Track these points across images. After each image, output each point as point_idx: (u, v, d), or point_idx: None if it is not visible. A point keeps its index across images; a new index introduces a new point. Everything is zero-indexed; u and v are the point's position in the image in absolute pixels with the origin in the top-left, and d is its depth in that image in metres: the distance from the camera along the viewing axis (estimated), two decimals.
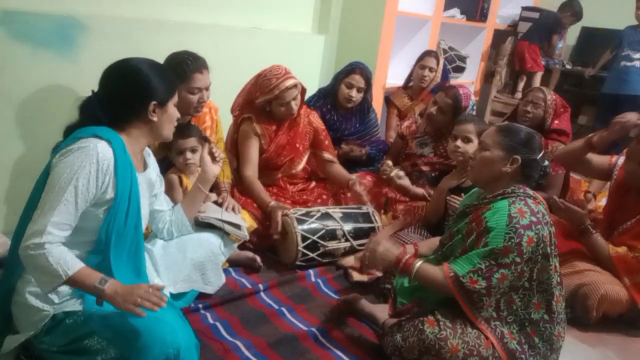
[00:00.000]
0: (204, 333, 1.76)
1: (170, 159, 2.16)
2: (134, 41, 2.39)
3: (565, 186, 2.83)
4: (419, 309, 1.68)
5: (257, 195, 2.39)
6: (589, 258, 2.19)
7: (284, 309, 1.96)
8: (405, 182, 2.69)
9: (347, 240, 2.31)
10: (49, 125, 2.11)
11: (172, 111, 1.54)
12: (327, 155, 2.66)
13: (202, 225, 1.92)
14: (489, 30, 4.52)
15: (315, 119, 2.67)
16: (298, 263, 2.24)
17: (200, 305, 1.90)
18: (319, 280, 2.20)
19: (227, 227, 1.94)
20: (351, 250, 2.32)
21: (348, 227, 2.31)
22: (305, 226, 2.24)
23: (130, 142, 1.47)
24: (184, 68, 2.01)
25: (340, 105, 2.91)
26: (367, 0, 3.43)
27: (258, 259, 2.24)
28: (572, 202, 2.42)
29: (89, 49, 2.26)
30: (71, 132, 1.42)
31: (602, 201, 2.92)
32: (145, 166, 1.61)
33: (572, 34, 4.82)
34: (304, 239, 2.21)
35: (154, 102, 1.47)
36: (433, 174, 2.75)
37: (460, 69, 4.31)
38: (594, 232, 2.17)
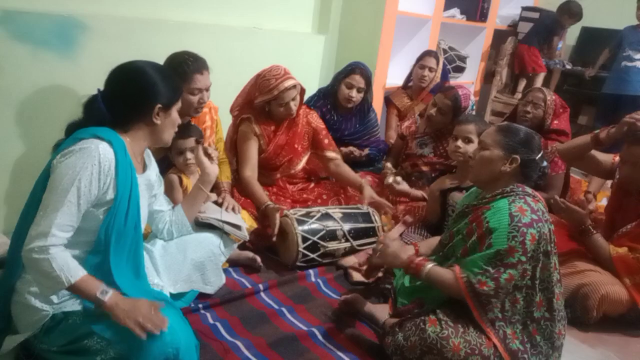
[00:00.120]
0: (204, 333, 1.76)
1: (170, 159, 2.16)
2: (134, 41, 2.40)
3: (566, 186, 2.83)
4: (420, 310, 1.68)
5: (254, 195, 2.39)
6: (589, 258, 2.19)
7: (284, 309, 1.96)
8: (404, 186, 2.70)
9: (347, 240, 2.30)
10: (49, 125, 2.12)
11: (175, 116, 1.56)
12: (329, 154, 2.64)
13: (202, 225, 1.91)
14: (489, 30, 4.51)
15: (315, 119, 2.66)
16: (298, 264, 2.23)
17: (200, 305, 1.90)
18: (319, 280, 2.20)
19: (227, 228, 1.94)
20: (351, 251, 2.32)
21: (348, 227, 2.31)
22: (305, 227, 2.23)
23: (131, 143, 1.48)
24: (184, 69, 2.01)
25: (340, 105, 2.91)
26: (367, 0, 3.42)
27: (258, 259, 2.24)
28: (573, 202, 2.42)
29: (89, 49, 2.26)
30: (73, 130, 1.43)
31: (603, 201, 2.92)
32: (145, 167, 1.61)
33: (572, 34, 4.82)
34: (305, 239, 2.21)
35: (159, 105, 1.48)
36: (433, 174, 2.75)
37: (460, 69, 4.31)
38: (594, 232, 2.17)
